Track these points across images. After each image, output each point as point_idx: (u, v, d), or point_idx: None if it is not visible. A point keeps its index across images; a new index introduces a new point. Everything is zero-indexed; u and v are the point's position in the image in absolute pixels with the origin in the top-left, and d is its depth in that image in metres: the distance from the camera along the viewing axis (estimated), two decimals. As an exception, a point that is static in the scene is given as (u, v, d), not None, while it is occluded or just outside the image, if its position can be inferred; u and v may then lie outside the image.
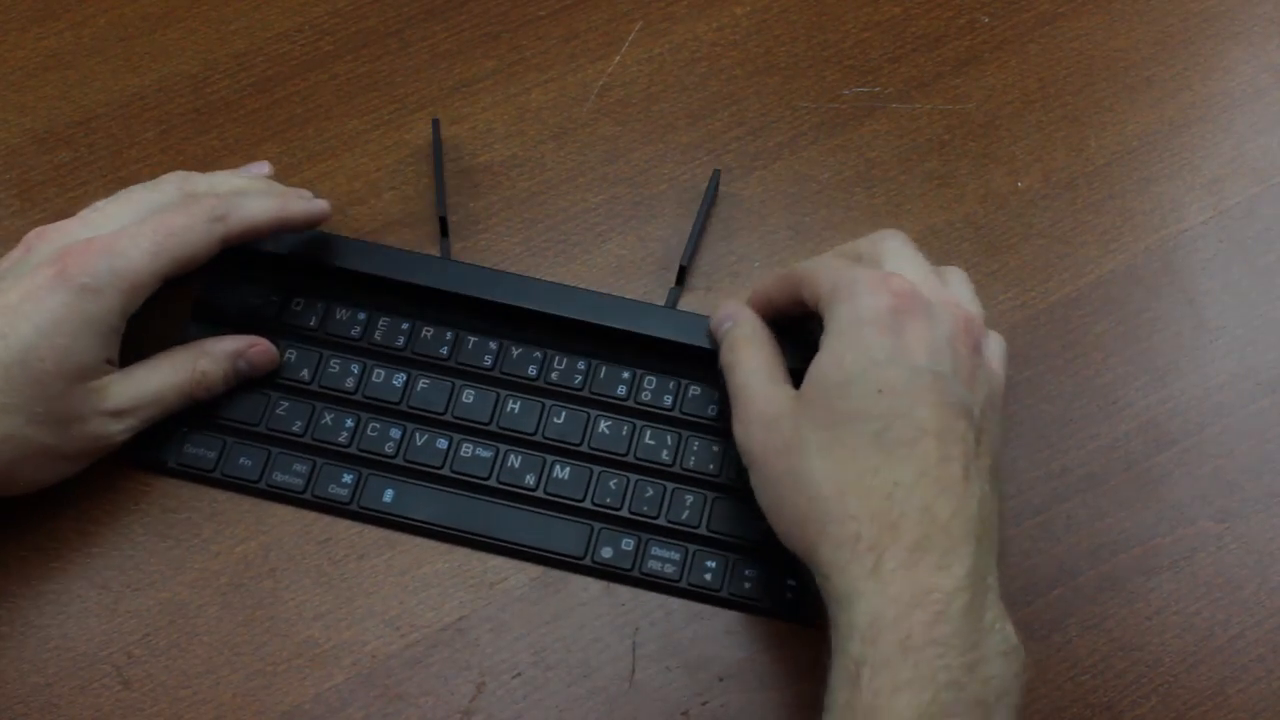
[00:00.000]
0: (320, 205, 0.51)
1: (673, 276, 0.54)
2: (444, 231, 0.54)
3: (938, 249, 0.56)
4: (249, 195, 0.50)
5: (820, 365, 0.43)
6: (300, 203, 0.50)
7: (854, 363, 0.42)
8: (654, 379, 0.51)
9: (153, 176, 0.56)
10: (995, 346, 0.46)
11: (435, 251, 0.54)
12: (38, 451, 0.45)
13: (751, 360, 0.47)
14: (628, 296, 0.53)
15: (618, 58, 0.60)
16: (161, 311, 0.53)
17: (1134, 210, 0.57)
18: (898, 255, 0.46)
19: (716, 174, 0.56)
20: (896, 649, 0.38)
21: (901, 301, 0.43)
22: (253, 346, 0.50)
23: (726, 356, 0.48)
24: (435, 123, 0.57)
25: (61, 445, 0.46)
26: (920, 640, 0.38)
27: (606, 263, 0.55)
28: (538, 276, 0.53)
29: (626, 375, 0.51)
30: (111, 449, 0.48)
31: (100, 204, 0.49)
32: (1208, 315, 0.55)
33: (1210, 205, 0.57)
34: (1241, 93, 0.60)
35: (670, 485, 0.50)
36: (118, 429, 0.47)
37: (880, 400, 0.41)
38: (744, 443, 0.45)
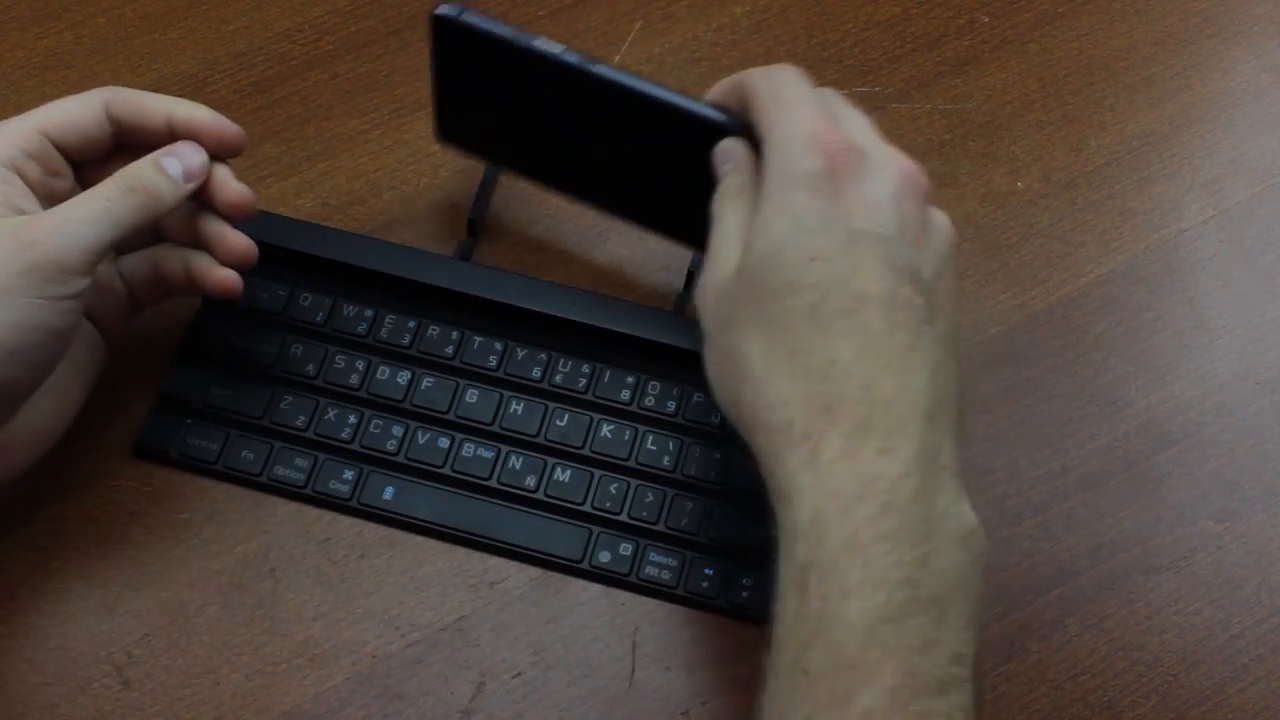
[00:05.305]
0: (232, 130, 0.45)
1: (673, 277, 0.54)
2: (471, 232, 0.54)
3: (938, 249, 0.56)
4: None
5: (751, 233, 0.39)
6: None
7: (783, 230, 0.38)
8: (658, 384, 0.51)
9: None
10: (938, 213, 0.42)
11: (437, 251, 0.54)
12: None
13: (733, 216, 0.41)
14: (627, 298, 0.53)
15: (617, 58, 0.60)
16: (168, 308, 0.53)
17: (1134, 210, 0.57)
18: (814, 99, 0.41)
19: None
20: (843, 548, 0.34)
21: (838, 162, 0.39)
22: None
23: (715, 208, 0.43)
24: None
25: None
26: (868, 536, 0.34)
27: (606, 263, 0.55)
28: (536, 276, 0.53)
29: (630, 380, 0.51)
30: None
31: None
32: (1208, 315, 0.55)
33: (1210, 205, 0.57)
34: (1241, 93, 0.60)
35: (670, 491, 0.50)
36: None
37: (813, 269, 0.37)
38: (699, 309, 0.41)
